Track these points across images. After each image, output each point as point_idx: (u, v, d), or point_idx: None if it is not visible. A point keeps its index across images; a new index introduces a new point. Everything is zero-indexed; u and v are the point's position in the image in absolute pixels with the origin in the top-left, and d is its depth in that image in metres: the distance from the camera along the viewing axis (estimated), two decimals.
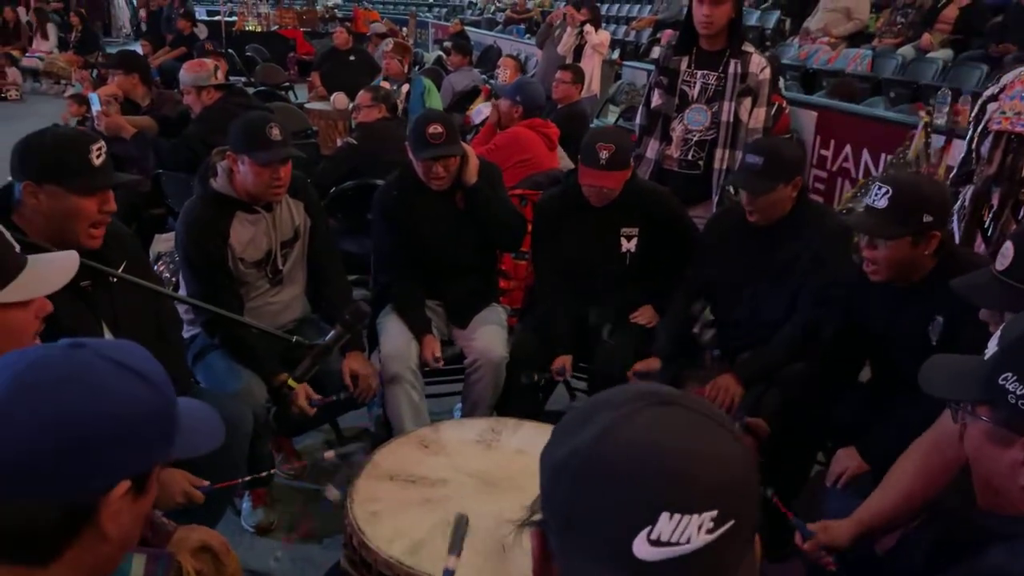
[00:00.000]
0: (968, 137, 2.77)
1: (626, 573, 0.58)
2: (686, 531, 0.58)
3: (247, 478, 2.10)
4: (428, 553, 1.66)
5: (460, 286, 2.85)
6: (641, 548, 0.58)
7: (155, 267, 2.89)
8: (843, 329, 2.23)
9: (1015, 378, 1.05)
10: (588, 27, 6.64)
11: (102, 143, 1.87)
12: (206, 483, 1.87)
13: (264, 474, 2.24)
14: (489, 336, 2.73)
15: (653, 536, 0.58)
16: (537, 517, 0.67)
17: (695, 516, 0.58)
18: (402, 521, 1.77)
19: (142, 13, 13.61)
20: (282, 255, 2.58)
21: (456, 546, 1.42)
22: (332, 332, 2.29)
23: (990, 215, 2.63)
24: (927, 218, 1.88)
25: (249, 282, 2.54)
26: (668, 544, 0.58)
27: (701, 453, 0.61)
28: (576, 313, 2.77)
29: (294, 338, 2.34)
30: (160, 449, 0.90)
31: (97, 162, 1.84)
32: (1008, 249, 1.52)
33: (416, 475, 1.96)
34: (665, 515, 0.58)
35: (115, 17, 16.90)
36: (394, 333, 2.71)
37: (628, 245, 2.72)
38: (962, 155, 2.82)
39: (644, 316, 2.75)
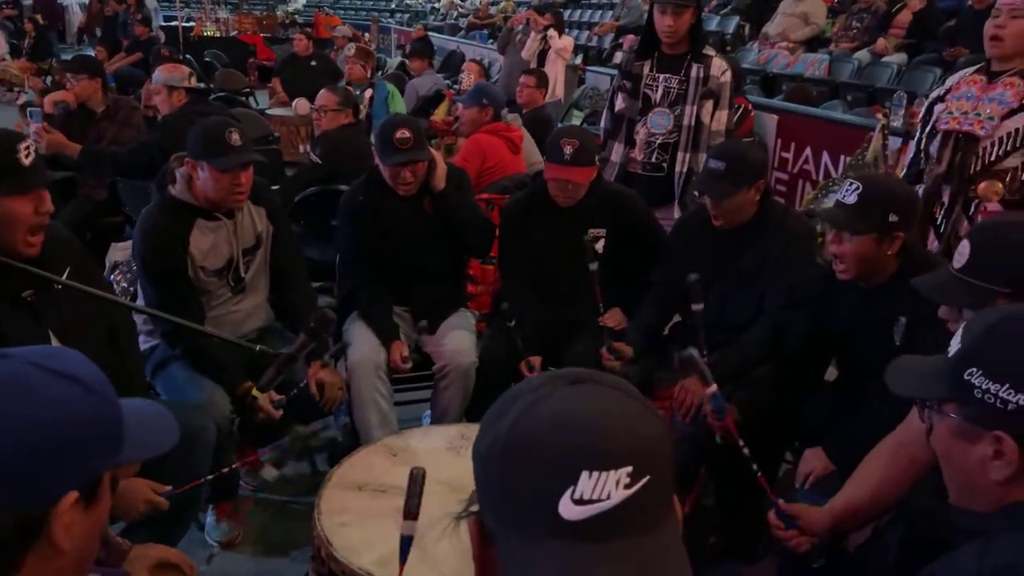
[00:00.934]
0: (917, 138, 2.84)
1: (554, 535, 0.63)
2: (605, 487, 0.62)
3: (210, 476, 2.04)
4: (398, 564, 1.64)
5: (428, 292, 2.82)
6: (567, 509, 0.62)
7: (111, 277, 2.82)
8: (809, 330, 2.25)
9: (980, 372, 1.06)
10: (552, 32, 6.67)
11: (30, 141, 1.80)
12: (168, 488, 1.82)
13: (227, 469, 2.16)
14: (458, 341, 2.71)
15: (576, 495, 0.62)
16: (474, 508, 0.70)
17: (612, 472, 0.63)
18: (372, 531, 1.74)
19: (81, 18, 13.24)
20: (244, 263, 2.53)
21: (413, 508, 1.31)
22: (297, 340, 2.24)
23: (941, 212, 2.69)
24: (893, 217, 1.92)
25: (210, 291, 2.48)
26: (591, 501, 0.62)
27: (612, 415, 0.66)
28: (545, 316, 2.76)
29: (258, 347, 2.29)
30: (106, 455, 0.87)
31: (27, 161, 1.74)
32: (964, 247, 1.55)
33: (385, 484, 1.93)
34: (585, 474, 0.62)
35: (69, 23, 16.54)
36: (361, 340, 2.67)
37: (595, 247, 2.72)
38: (911, 155, 2.88)
39: (613, 319, 2.74)
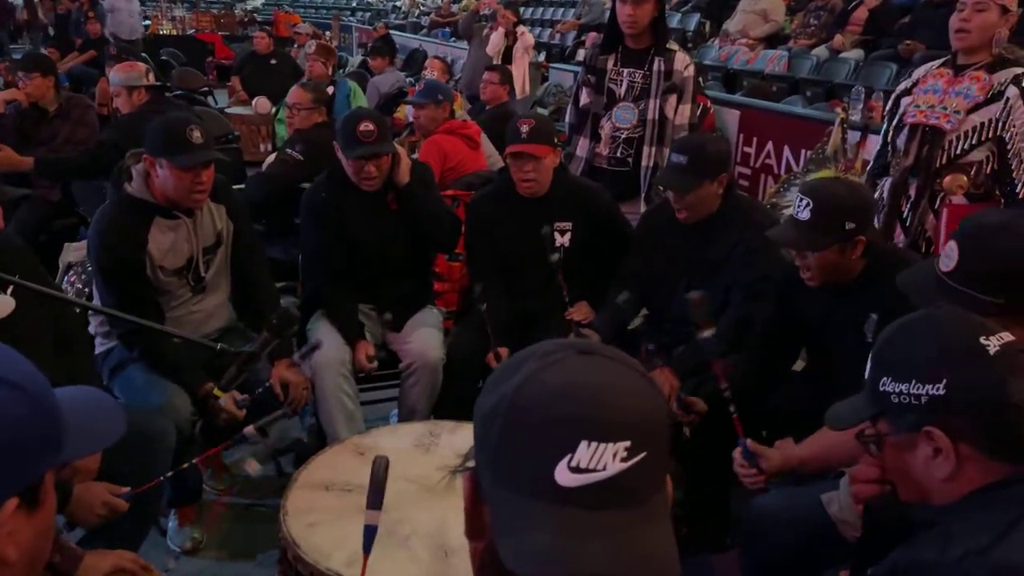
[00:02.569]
0: (883, 131, 2.86)
1: (548, 500, 0.64)
2: (603, 458, 0.64)
3: (170, 472, 1.98)
4: (368, 563, 1.61)
5: (394, 289, 2.78)
6: (563, 475, 0.63)
7: (66, 278, 2.74)
8: (776, 322, 2.26)
9: (890, 379, 1.12)
10: (521, 28, 6.65)
11: None
12: (126, 489, 1.78)
13: (186, 464, 2.09)
14: (425, 339, 2.68)
15: (573, 463, 0.63)
16: (470, 464, 0.71)
17: (611, 444, 0.64)
18: (340, 532, 1.71)
19: (22, 13, 12.84)
20: (204, 262, 2.47)
21: (376, 497, 1.30)
22: (259, 338, 2.19)
23: (908, 206, 2.71)
24: (850, 225, 1.91)
25: (170, 291, 2.42)
26: (587, 471, 0.64)
27: (617, 388, 0.67)
28: (513, 309, 2.74)
29: (218, 346, 2.24)
30: (44, 456, 0.83)
31: None
32: (952, 250, 1.47)
33: (353, 484, 1.90)
34: (584, 443, 0.64)
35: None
36: (325, 338, 2.62)
37: (562, 240, 2.72)
38: (878, 148, 2.90)
39: (579, 312, 2.74)
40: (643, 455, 0.65)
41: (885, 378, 1.13)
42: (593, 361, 0.69)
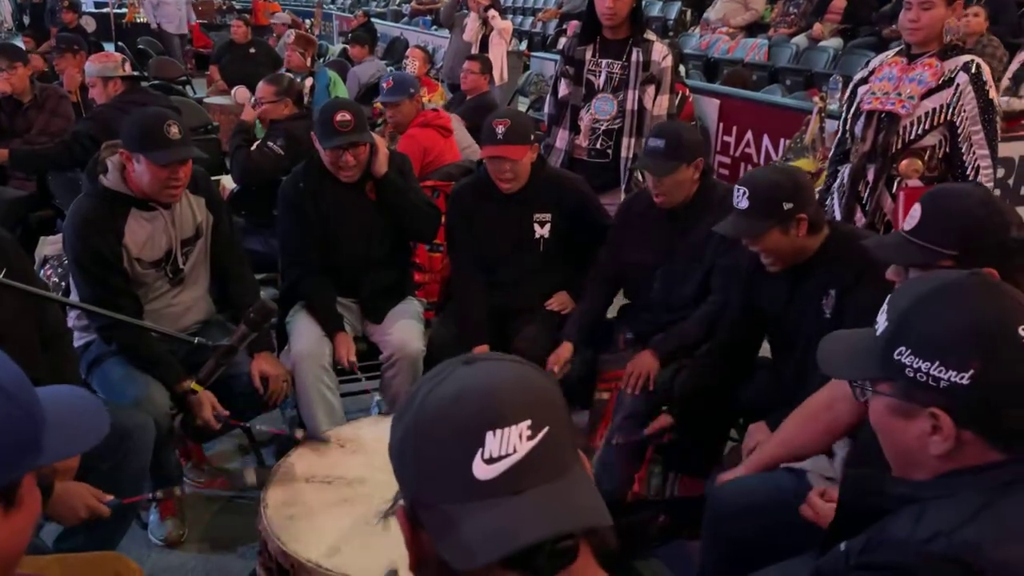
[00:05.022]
0: (842, 118, 2.94)
1: (476, 497, 0.68)
2: (511, 441, 0.68)
3: (157, 492, 2.02)
4: (348, 553, 1.62)
5: (373, 281, 2.78)
6: (480, 469, 0.68)
7: (41, 271, 2.71)
8: (739, 312, 2.30)
9: (909, 352, 1.05)
10: (492, 12, 6.59)
11: None
12: (111, 497, 1.78)
13: (176, 490, 2.15)
14: (405, 330, 2.68)
15: (486, 455, 0.68)
16: (400, 503, 0.76)
17: (513, 427, 0.69)
18: (320, 523, 1.72)
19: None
20: (183, 254, 2.45)
21: None
22: (237, 331, 2.19)
23: (867, 190, 2.79)
24: (787, 205, 1.98)
25: (147, 283, 2.40)
26: (500, 458, 0.68)
27: (505, 378, 0.73)
28: (493, 302, 2.75)
29: (196, 339, 2.23)
30: (23, 459, 0.83)
31: None
32: (916, 211, 1.61)
33: (333, 475, 1.91)
34: (489, 434, 0.68)
35: None
36: (305, 331, 2.62)
37: (541, 231, 2.72)
38: (838, 136, 2.98)
39: (558, 302, 2.75)
40: (547, 429, 0.70)
41: (903, 348, 1.05)
42: (478, 367, 0.74)
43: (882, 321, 1.11)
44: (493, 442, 0.68)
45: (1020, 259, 1.52)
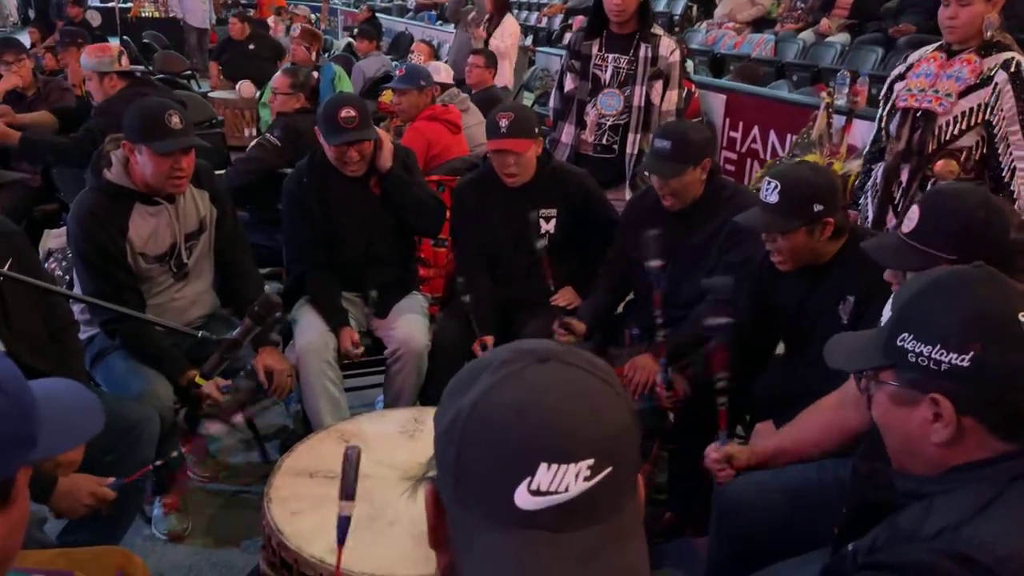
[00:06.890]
0: (878, 115, 2.85)
1: (509, 522, 0.61)
2: (564, 479, 0.61)
3: (158, 462, 1.98)
4: (352, 549, 1.61)
5: (378, 276, 2.77)
6: (523, 498, 0.61)
7: (46, 264, 2.71)
8: (754, 308, 2.28)
9: (912, 337, 1.07)
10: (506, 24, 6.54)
11: None
12: (112, 480, 1.78)
13: (174, 454, 2.10)
14: (410, 325, 2.68)
15: (533, 487, 0.61)
16: (432, 474, 0.69)
17: (572, 465, 0.61)
18: (324, 519, 1.71)
19: None
20: (187, 248, 2.45)
21: (350, 487, 1.28)
22: (241, 325, 2.18)
23: (900, 191, 2.71)
24: (817, 207, 1.94)
25: (152, 277, 2.40)
26: (547, 493, 0.61)
27: (577, 403, 0.63)
28: (498, 295, 2.74)
29: (200, 333, 2.22)
30: (16, 452, 0.82)
31: None
32: (914, 213, 1.57)
33: (336, 471, 1.88)
34: (543, 466, 0.61)
35: (1, 4, 15.88)
36: (309, 325, 2.62)
37: (547, 226, 2.71)
38: (873, 133, 2.89)
39: (564, 298, 2.74)
40: (608, 471, 0.62)
41: (906, 334, 1.08)
42: (552, 370, 0.65)
43: (887, 312, 1.14)
44: (545, 475, 0.60)
45: (1020, 261, 1.48)
